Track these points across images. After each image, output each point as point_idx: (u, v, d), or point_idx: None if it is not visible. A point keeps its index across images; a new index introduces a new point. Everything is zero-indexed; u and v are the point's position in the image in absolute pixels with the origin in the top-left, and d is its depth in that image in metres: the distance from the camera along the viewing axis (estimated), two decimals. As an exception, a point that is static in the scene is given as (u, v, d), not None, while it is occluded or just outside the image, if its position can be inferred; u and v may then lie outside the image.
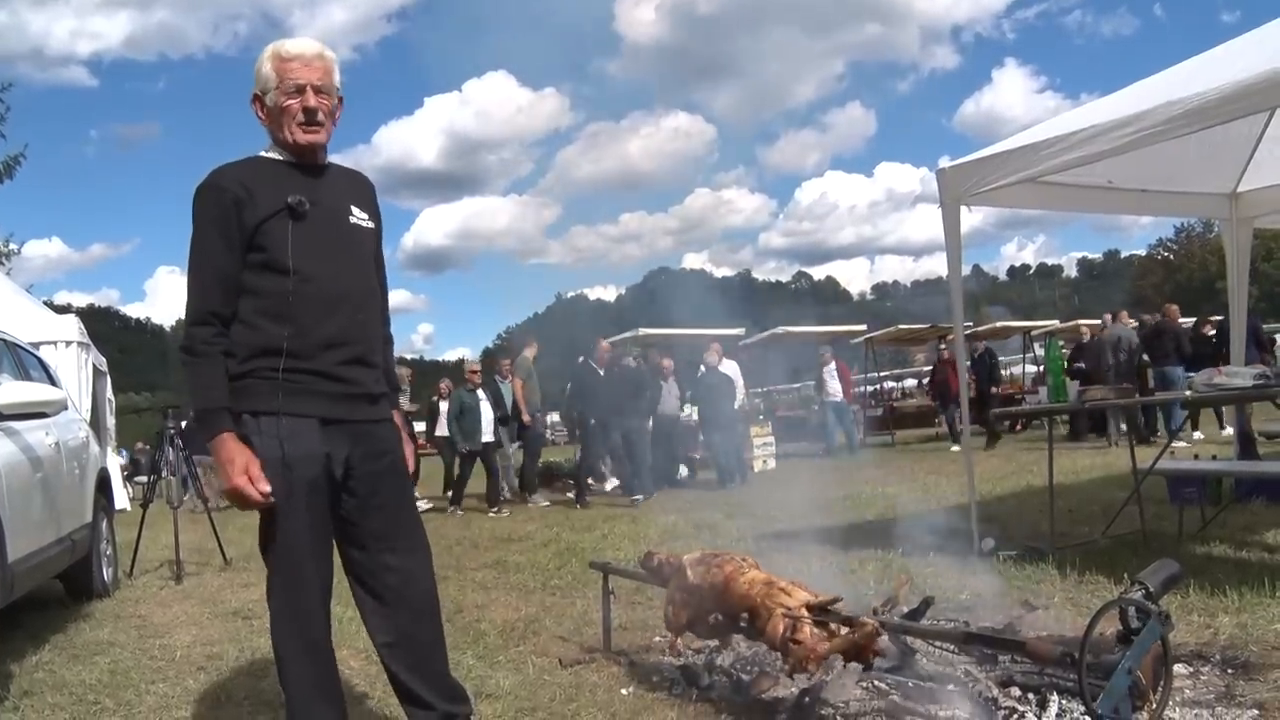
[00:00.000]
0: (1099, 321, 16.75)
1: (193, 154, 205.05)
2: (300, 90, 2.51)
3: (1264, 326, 13.54)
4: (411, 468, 2.83)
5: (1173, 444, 7.44)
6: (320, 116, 2.55)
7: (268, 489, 2.40)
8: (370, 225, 2.71)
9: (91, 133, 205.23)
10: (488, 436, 11.30)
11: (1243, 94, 4.05)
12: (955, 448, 14.68)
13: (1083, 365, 14.70)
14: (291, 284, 2.46)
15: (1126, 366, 13.07)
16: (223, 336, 2.47)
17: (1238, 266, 7.25)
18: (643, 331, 17.27)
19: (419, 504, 10.86)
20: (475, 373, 11.62)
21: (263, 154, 2.63)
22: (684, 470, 13.33)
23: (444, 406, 12.33)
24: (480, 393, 11.37)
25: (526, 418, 11.72)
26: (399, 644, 2.65)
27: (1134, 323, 14.71)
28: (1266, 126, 5.96)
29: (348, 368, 2.54)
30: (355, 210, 2.66)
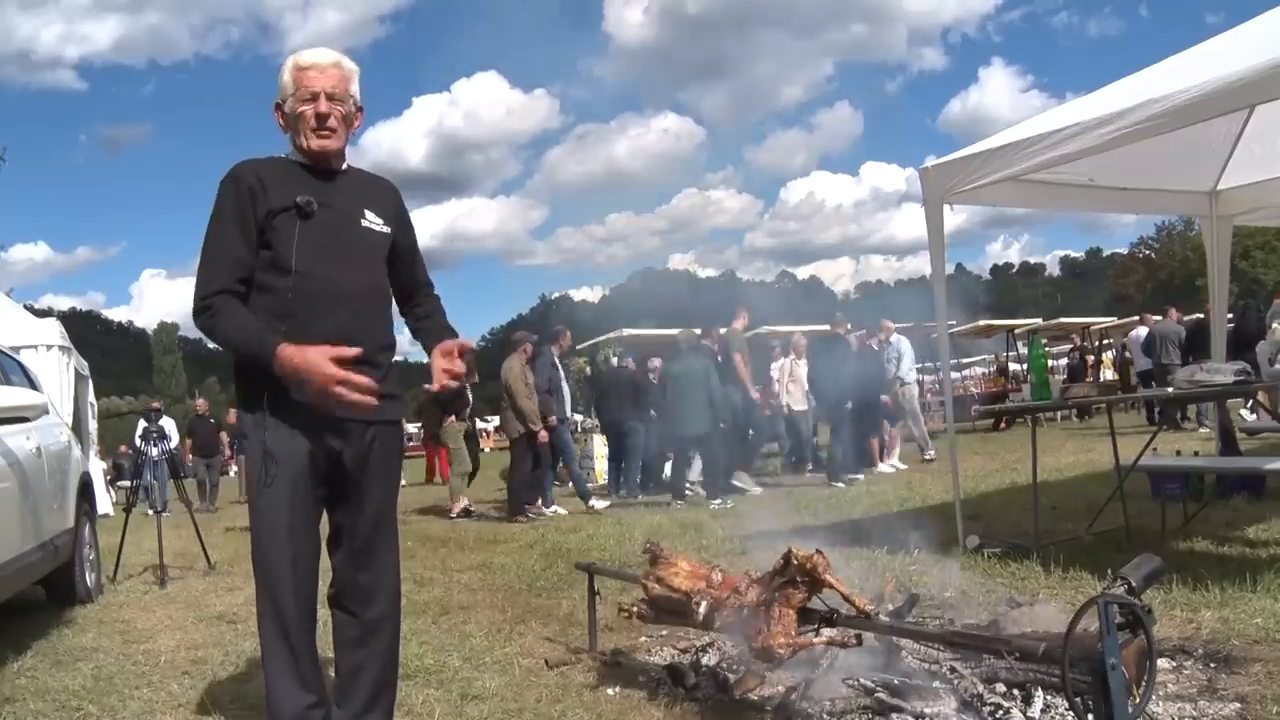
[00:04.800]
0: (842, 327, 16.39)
1: (181, 157, 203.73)
2: (314, 97, 2.60)
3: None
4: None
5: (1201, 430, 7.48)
6: (332, 122, 2.62)
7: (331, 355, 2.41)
8: (385, 229, 2.75)
9: (81, 137, 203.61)
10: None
11: (1222, 92, 4.07)
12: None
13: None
14: (293, 281, 2.53)
15: (1180, 359, 13.23)
16: (233, 299, 2.52)
17: (1218, 264, 7.31)
18: (626, 332, 17.25)
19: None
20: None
21: (284, 155, 2.72)
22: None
23: None
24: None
25: (756, 393, 10.75)
26: (348, 679, 2.68)
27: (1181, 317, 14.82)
28: (1245, 124, 6.00)
29: (343, 366, 2.55)
30: (369, 214, 2.71)
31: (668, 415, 10.39)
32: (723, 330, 11.25)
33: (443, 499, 12.49)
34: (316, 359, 2.40)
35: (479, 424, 12.48)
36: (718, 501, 9.50)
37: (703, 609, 3.15)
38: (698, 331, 10.89)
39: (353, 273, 2.62)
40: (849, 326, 12.06)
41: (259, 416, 2.52)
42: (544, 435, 9.60)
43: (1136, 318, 16.21)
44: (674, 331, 13.79)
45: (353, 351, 2.44)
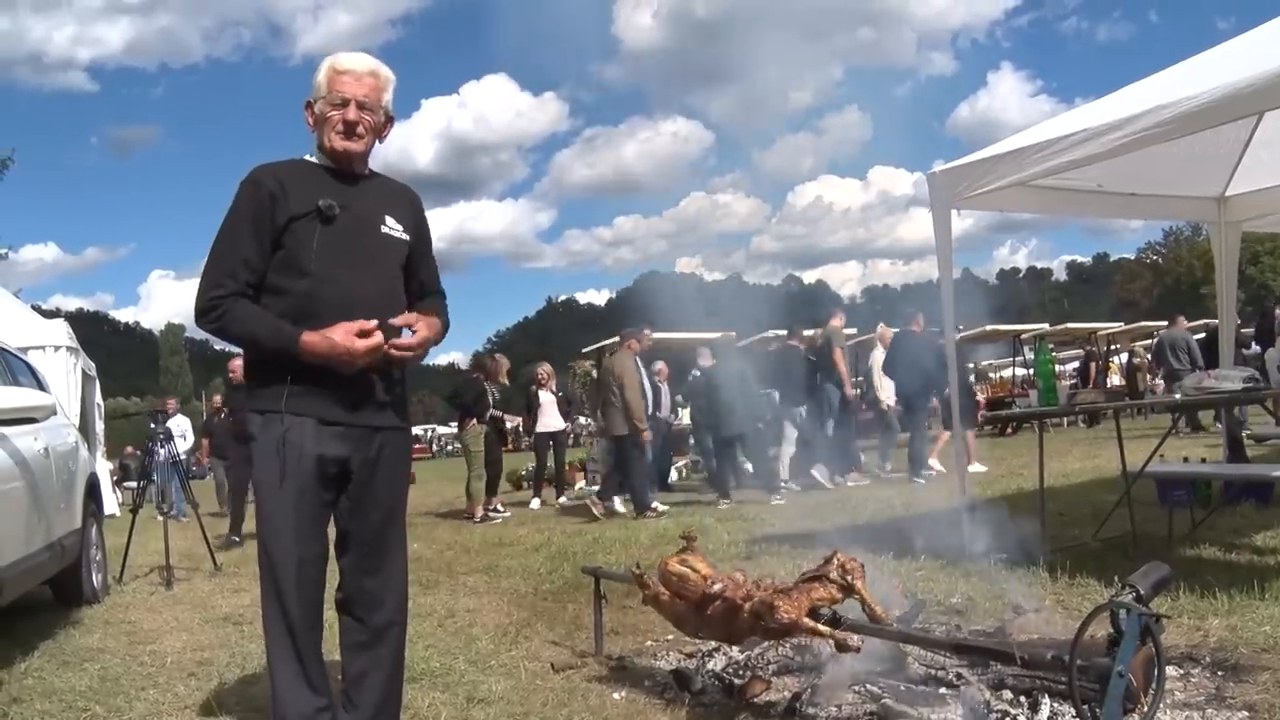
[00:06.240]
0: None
1: (190, 159, 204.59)
2: (345, 103, 2.61)
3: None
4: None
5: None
6: (360, 130, 2.62)
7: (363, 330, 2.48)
8: (404, 236, 2.75)
9: (91, 139, 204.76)
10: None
11: (1232, 98, 4.06)
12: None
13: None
14: (309, 285, 2.54)
15: (1189, 367, 13.24)
16: (242, 299, 2.54)
17: (1226, 270, 7.29)
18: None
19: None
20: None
21: (306, 157, 2.72)
22: (674, 474, 13.35)
23: (544, 397, 10.99)
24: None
25: (851, 391, 10.84)
26: (355, 684, 2.69)
27: (1187, 324, 14.78)
28: (1254, 131, 5.99)
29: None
30: (389, 220, 2.72)
31: (706, 416, 10.51)
32: (813, 331, 11.38)
33: (449, 500, 12.53)
34: (341, 338, 2.46)
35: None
36: (725, 502, 9.54)
37: (717, 586, 3.12)
38: (729, 334, 10.99)
39: (368, 278, 2.63)
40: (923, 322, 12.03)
41: (271, 418, 2.53)
42: (648, 434, 9.60)
43: (1164, 323, 16.17)
44: (678, 335, 13.83)
45: (372, 324, 2.48)
